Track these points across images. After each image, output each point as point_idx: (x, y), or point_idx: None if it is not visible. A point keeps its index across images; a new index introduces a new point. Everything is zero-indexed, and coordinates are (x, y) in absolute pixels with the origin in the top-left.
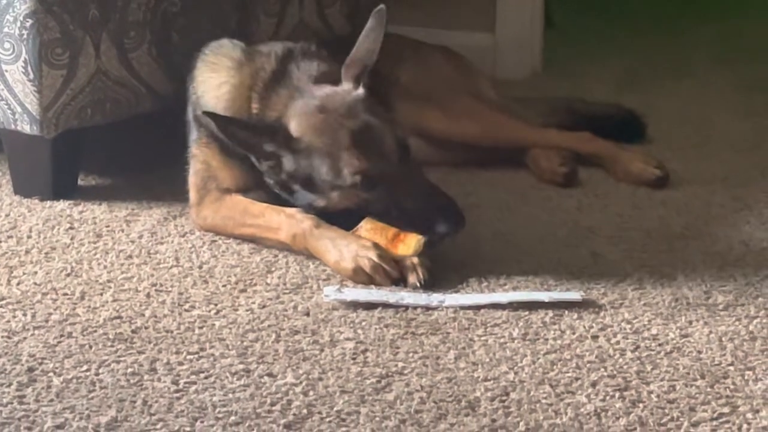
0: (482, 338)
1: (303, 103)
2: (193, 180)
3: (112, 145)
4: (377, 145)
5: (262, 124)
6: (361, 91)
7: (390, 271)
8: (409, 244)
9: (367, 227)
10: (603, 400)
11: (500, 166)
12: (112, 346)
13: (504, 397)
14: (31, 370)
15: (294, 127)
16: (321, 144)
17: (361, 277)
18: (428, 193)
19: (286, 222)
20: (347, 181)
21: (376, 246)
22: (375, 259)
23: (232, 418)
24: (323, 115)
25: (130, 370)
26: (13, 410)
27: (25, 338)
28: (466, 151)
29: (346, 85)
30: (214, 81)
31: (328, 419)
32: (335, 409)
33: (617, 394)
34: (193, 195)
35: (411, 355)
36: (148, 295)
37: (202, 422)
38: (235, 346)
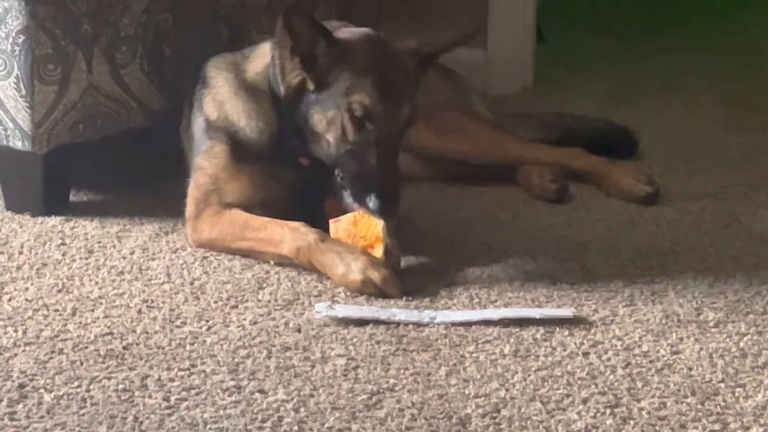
0: (473, 355)
1: (360, 31)
2: (193, 193)
3: (104, 161)
4: (394, 103)
5: (325, 27)
6: (413, 44)
7: (398, 283)
8: (377, 252)
9: (340, 233)
10: (594, 416)
11: (491, 181)
12: (103, 362)
13: (495, 414)
14: (22, 386)
15: (345, 42)
16: (359, 65)
17: (369, 288)
18: (388, 171)
19: (289, 235)
20: (350, 105)
21: (383, 261)
22: (386, 271)
23: None
24: (375, 48)
25: (121, 386)
26: (4, 426)
27: (16, 354)
28: (457, 166)
29: (400, 45)
30: (239, 77)
31: None
32: (326, 425)
33: (608, 411)
34: (191, 208)
35: (402, 371)
36: (139, 312)
37: None
38: (226, 362)
